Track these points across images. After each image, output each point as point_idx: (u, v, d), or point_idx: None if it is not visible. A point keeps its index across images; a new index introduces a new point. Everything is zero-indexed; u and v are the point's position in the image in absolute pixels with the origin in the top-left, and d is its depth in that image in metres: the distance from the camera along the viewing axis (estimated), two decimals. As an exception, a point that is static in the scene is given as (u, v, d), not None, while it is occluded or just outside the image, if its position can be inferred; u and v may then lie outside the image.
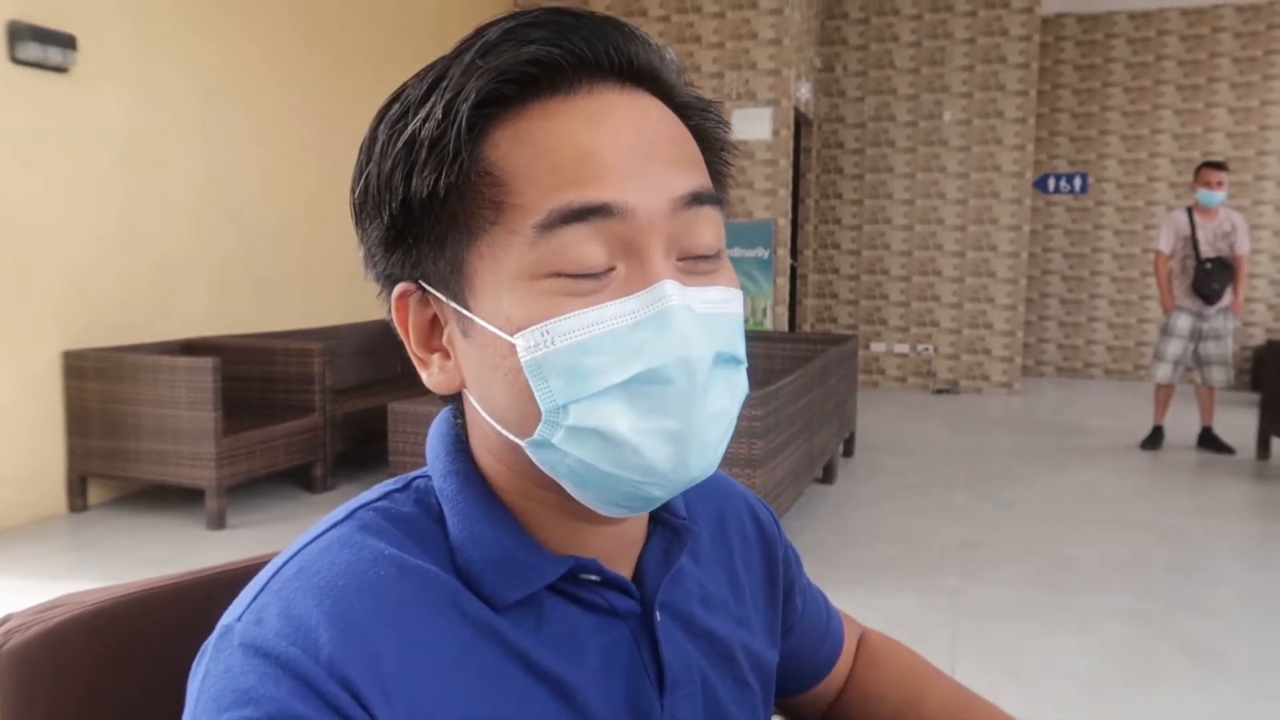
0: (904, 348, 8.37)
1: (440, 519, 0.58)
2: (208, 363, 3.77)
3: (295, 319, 5.26)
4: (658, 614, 0.61)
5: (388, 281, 0.57)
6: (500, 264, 0.51)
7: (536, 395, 0.51)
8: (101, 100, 4.10)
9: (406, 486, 0.60)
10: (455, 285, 0.53)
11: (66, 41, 3.83)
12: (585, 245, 0.50)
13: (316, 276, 5.50)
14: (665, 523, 0.64)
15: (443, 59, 0.54)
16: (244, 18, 4.87)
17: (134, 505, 4.18)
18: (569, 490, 0.54)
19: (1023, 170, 7.97)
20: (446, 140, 0.51)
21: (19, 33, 3.66)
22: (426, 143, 0.51)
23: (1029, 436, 6.31)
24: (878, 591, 3.28)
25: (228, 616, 0.52)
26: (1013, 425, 6.80)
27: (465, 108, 0.50)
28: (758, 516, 0.77)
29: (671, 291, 0.50)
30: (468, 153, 0.51)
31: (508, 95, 0.51)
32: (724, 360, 0.53)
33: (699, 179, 0.54)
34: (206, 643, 0.52)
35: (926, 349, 8.31)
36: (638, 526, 0.62)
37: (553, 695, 0.55)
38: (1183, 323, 5.56)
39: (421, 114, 0.52)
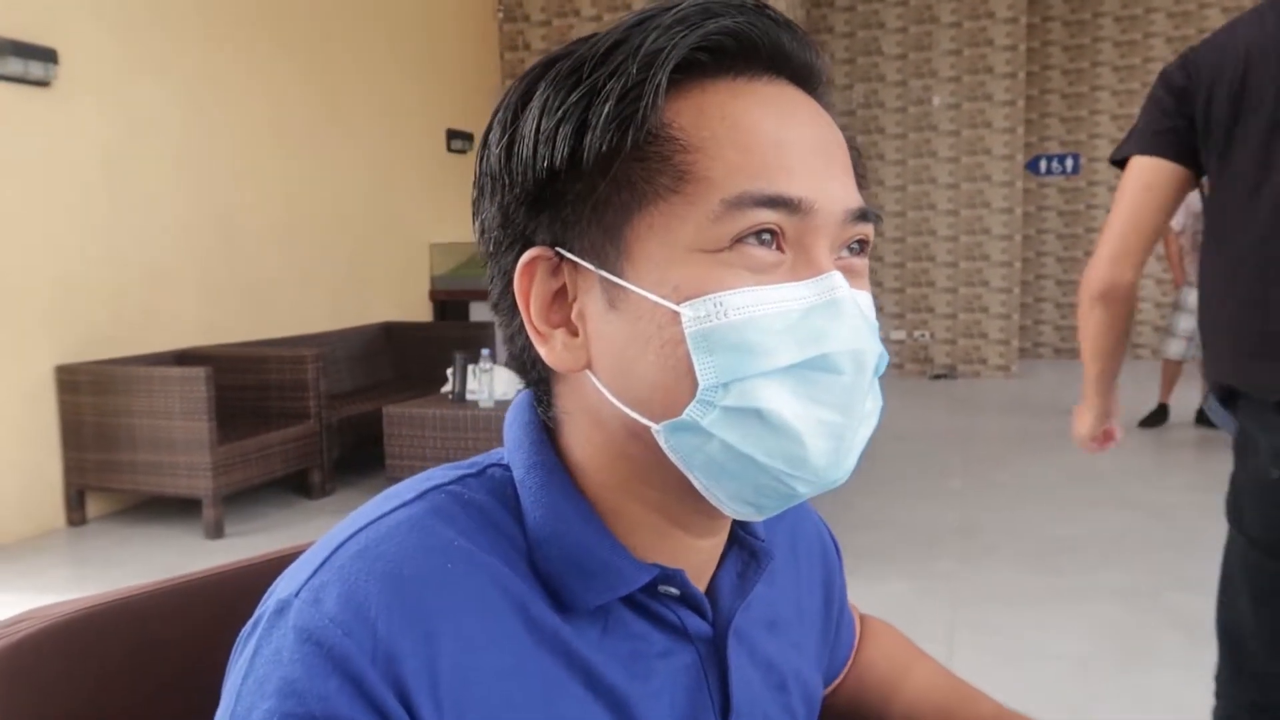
0: (900, 334, 8.38)
1: (516, 512, 0.55)
2: (200, 372, 3.78)
3: (287, 326, 5.26)
4: (730, 641, 0.59)
5: (516, 245, 0.54)
6: (673, 233, 0.50)
7: (697, 369, 0.49)
8: (84, 113, 4.10)
9: (481, 473, 0.57)
10: (609, 253, 0.51)
11: (47, 55, 3.83)
12: (767, 228, 0.50)
13: (306, 283, 5.50)
14: (743, 543, 0.62)
15: (615, 26, 0.52)
16: (225, 28, 4.87)
17: (132, 517, 4.19)
18: (698, 482, 0.52)
19: (1014, 153, 7.97)
20: (639, 96, 0.49)
21: (0, 48, 3.66)
22: (613, 97, 0.49)
23: (1026, 419, 6.32)
24: (873, 578, 3.29)
25: (283, 589, 0.50)
26: (1010, 408, 6.80)
27: (668, 65, 0.49)
28: (825, 543, 0.77)
29: (842, 284, 0.51)
30: (656, 114, 0.50)
31: (701, 63, 0.51)
32: (878, 366, 0.54)
33: (861, 196, 0.55)
34: (261, 610, 0.51)
35: (923, 334, 8.31)
36: (720, 545, 0.60)
37: (612, 713, 0.54)
38: (1194, 298, 5.54)
39: (606, 69, 0.50)
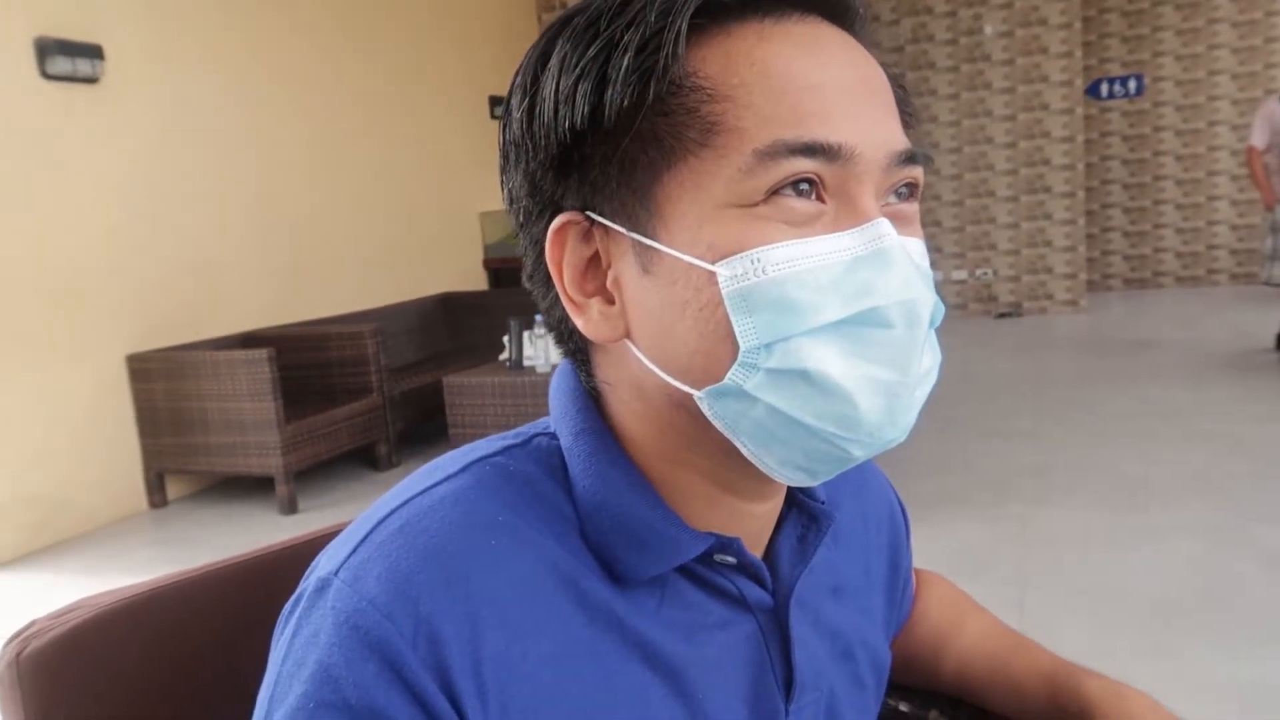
0: (962, 274, 8.18)
1: (564, 482, 0.53)
2: (264, 354, 3.86)
3: (346, 302, 5.35)
4: (792, 609, 0.57)
5: (545, 213, 0.52)
6: (704, 189, 0.47)
7: (737, 330, 0.46)
8: (135, 106, 4.18)
9: (526, 443, 0.55)
10: (639, 215, 0.49)
11: (93, 52, 3.90)
12: (805, 178, 0.47)
13: (362, 259, 5.57)
14: (802, 506, 0.59)
15: None
16: (268, 9, 4.90)
17: (210, 497, 4.33)
18: (745, 449, 0.49)
19: (1072, 78, 7.65)
20: (659, 45, 0.46)
21: (47, 48, 3.74)
22: (631, 48, 0.47)
23: (1097, 354, 6.14)
24: (942, 523, 3.24)
25: (324, 566, 0.49)
26: (1079, 344, 6.61)
27: (688, 10, 0.47)
28: (893, 505, 0.74)
29: (890, 231, 0.48)
30: (679, 63, 0.47)
31: (726, 6, 0.48)
32: (933, 318, 0.50)
33: (908, 137, 0.51)
34: (303, 587, 0.49)
35: (985, 273, 8.10)
36: (776, 509, 0.58)
37: (671, 691, 0.52)
38: None
39: (624, 20, 0.47)
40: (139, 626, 0.69)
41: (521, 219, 0.54)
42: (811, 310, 0.46)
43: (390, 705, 0.44)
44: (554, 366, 3.96)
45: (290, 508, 3.96)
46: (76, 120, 3.92)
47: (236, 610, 0.74)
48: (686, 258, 0.47)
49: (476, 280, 6.79)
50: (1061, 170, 7.79)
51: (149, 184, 4.23)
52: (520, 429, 0.58)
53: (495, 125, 7.01)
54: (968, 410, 4.82)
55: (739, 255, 0.46)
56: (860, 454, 0.49)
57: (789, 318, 0.46)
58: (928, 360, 0.50)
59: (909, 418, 0.50)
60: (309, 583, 0.49)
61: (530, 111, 0.51)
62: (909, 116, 0.54)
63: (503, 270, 6.83)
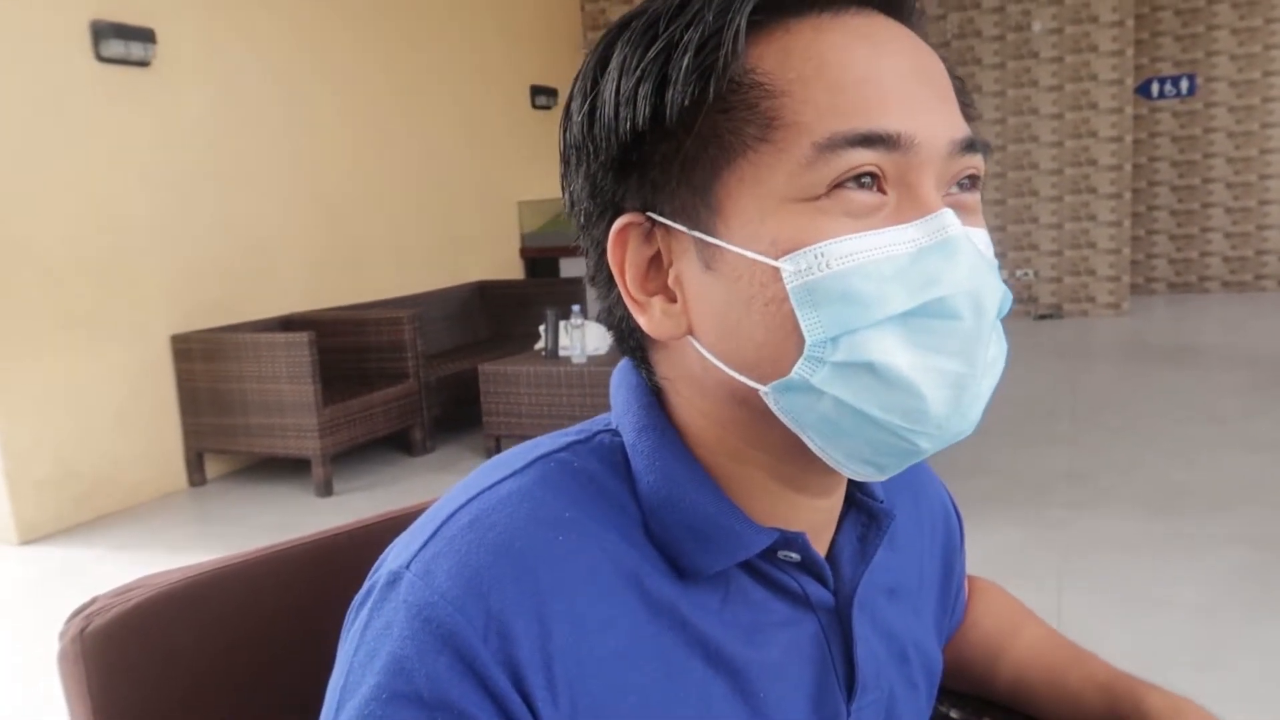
0: (1002, 273, 8.04)
1: (628, 478, 0.53)
2: (304, 337, 3.90)
3: (385, 288, 5.39)
4: (855, 610, 0.57)
5: (607, 214, 0.53)
6: (764, 185, 0.47)
7: (803, 325, 0.46)
8: (185, 91, 4.23)
9: (589, 439, 0.56)
10: (700, 213, 0.49)
11: (146, 36, 3.95)
12: (866, 170, 0.47)
13: (401, 245, 5.61)
14: (861, 506, 0.59)
15: None
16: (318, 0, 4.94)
17: (248, 477, 4.39)
18: (812, 444, 0.50)
19: (1122, 77, 7.51)
20: (719, 44, 0.47)
21: (102, 31, 3.79)
22: (691, 48, 0.47)
23: (1139, 359, 6.04)
24: (980, 526, 3.20)
25: (395, 560, 0.50)
26: (1121, 348, 6.51)
27: (747, 8, 0.47)
28: (948, 509, 0.74)
29: (954, 222, 0.47)
30: (739, 61, 0.48)
31: (782, 2, 0.49)
32: (1000, 308, 0.50)
33: (967, 124, 0.51)
34: (373, 580, 0.50)
35: (1026, 274, 7.99)
36: (838, 506, 0.58)
37: (733, 689, 0.52)
38: None
39: (682, 20, 0.48)
40: (200, 606, 0.70)
41: (583, 221, 0.55)
42: (877, 302, 0.46)
43: (463, 698, 0.45)
44: (590, 358, 3.97)
45: (326, 490, 4.01)
46: (128, 103, 3.98)
47: (295, 594, 0.74)
48: (749, 254, 0.48)
49: (513, 269, 6.81)
50: (1108, 171, 7.65)
51: (196, 167, 4.29)
52: (583, 425, 0.58)
53: (535, 114, 7.04)
54: (1007, 412, 4.76)
55: (803, 250, 0.46)
56: (928, 446, 0.49)
57: (854, 310, 0.46)
58: (994, 351, 0.50)
59: (976, 409, 0.49)
60: (379, 576, 0.50)
61: (591, 114, 0.51)
62: (967, 107, 0.54)
63: (539, 260, 6.85)
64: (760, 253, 0.47)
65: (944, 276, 0.46)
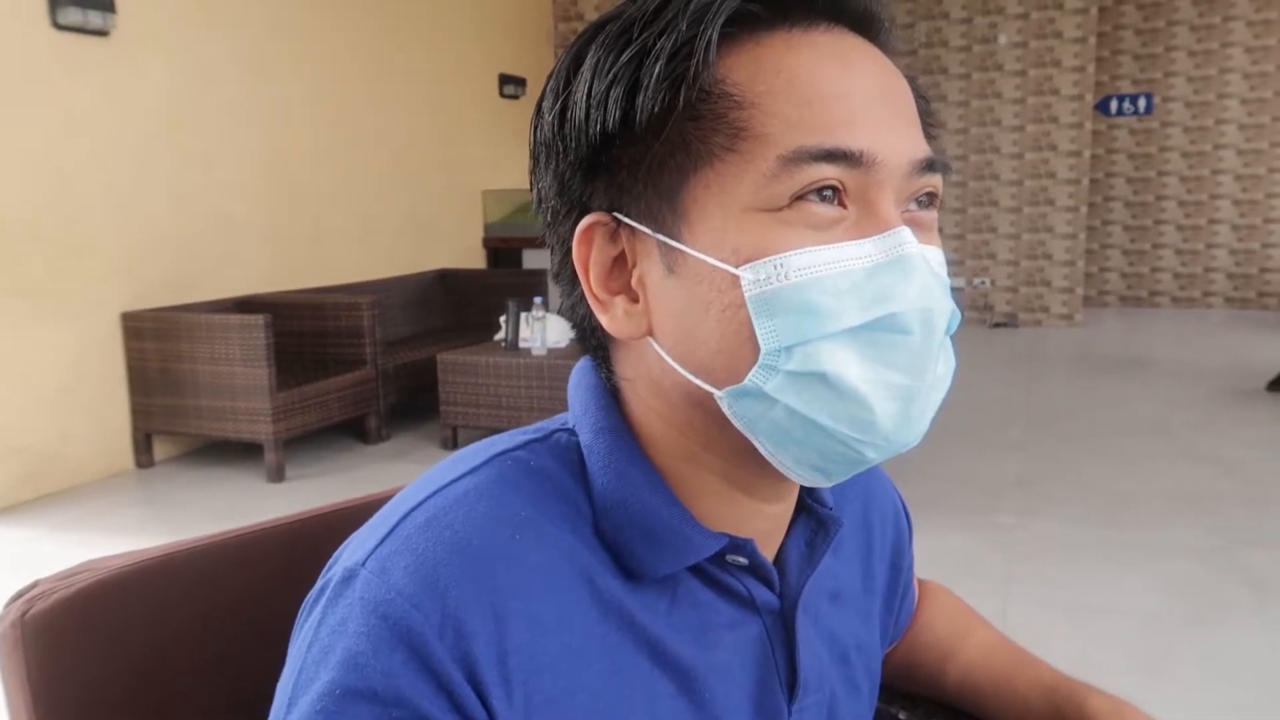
0: (959, 281, 8.18)
1: (582, 478, 0.54)
2: (259, 320, 3.84)
3: (344, 273, 5.32)
4: (800, 613, 0.58)
5: (573, 213, 0.53)
6: (729, 193, 0.48)
7: (758, 333, 0.47)
8: (144, 62, 4.13)
9: (546, 438, 0.56)
10: (665, 217, 0.50)
11: (105, 4, 3.85)
12: (828, 184, 0.48)
13: (363, 230, 5.55)
14: (811, 512, 0.60)
15: None
16: (279, -29, 4.85)
17: (197, 460, 4.31)
18: (763, 448, 0.50)
19: (1083, 93, 7.65)
20: (690, 54, 0.48)
21: (59, -3, 3.69)
22: (663, 56, 0.48)
23: (1090, 370, 6.16)
24: (929, 531, 3.24)
25: (350, 556, 0.49)
26: (1073, 358, 6.64)
27: (719, 20, 0.48)
28: (898, 512, 0.76)
29: (910, 240, 0.48)
30: (709, 71, 0.48)
31: (755, 15, 0.49)
32: (949, 325, 0.51)
33: (929, 145, 0.53)
34: (327, 577, 0.50)
35: (983, 282, 8.12)
36: (789, 511, 0.59)
37: (679, 689, 0.53)
38: None
39: (656, 27, 0.49)
40: (147, 593, 0.69)
41: (549, 218, 0.55)
42: (831, 315, 0.47)
43: (419, 694, 0.45)
44: (550, 350, 3.95)
45: (278, 475, 3.95)
46: (84, 73, 3.87)
47: (246, 583, 0.73)
48: (711, 260, 0.48)
49: (475, 259, 6.77)
50: (1066, 184, 7.80)
51: (153, 142, 4.19)
52: (539, 424, 0.59)
53: (504, 104, 6.99)
54: (959, 418, 4.83)
55: (763, 260, 0.47)
56: (874, 456, 0.50)
57: (810, 322, 0.47)
58: (942, 366, 0.51)
59: (923, 422, 0.50)
60: (334, 573, 0.50)
61: (562, 114, 0.52)
62: (930, 127, 0.55)
63: (502, 250, 6.81)
64: (721, 260, 0.48)
65: (897, 293, 0.47)
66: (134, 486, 3.97)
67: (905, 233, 0.48)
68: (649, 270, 0.51)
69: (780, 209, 0.47)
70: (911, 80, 0.55)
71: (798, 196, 0.47)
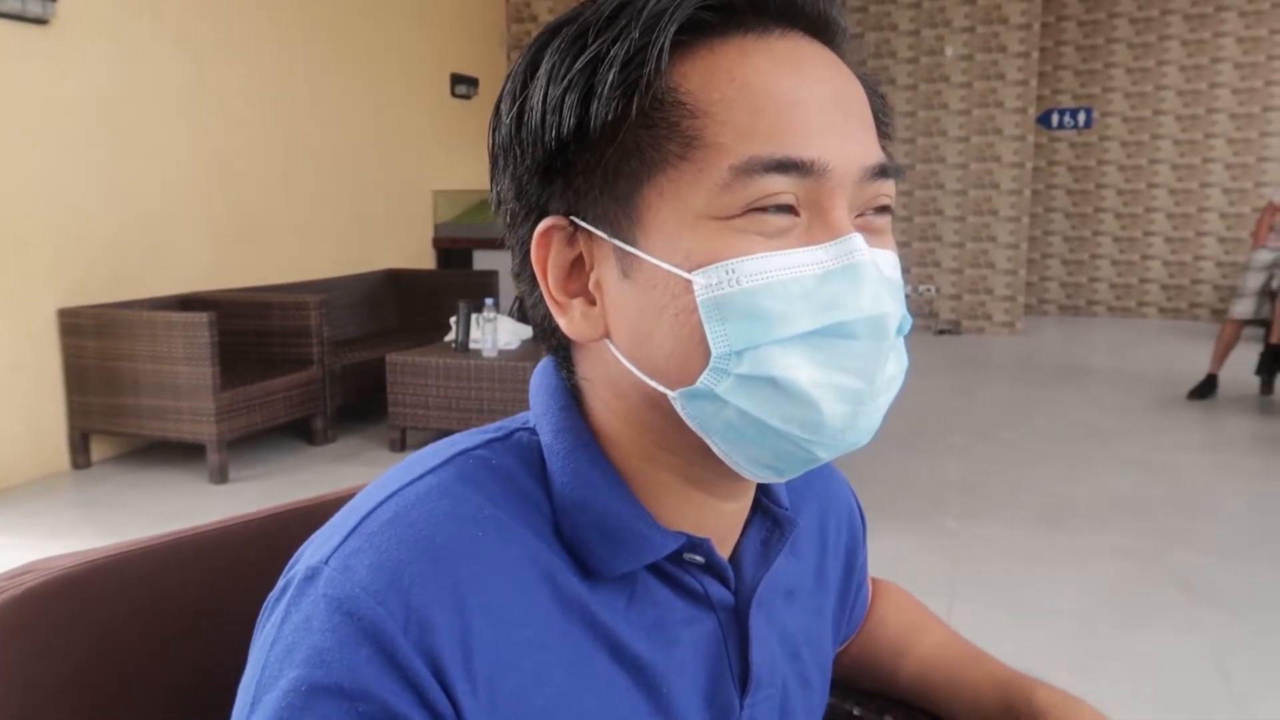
0: (905, 288, 8.30)
1: (542, 478, 0.54)
2: (203, 318, 3.76)
3: (290, 272, 5.24)
4: (753, 610, 0.59)
5: (531, 216, 0.54)
6: (683, 201, 0.49)
7: (709, 337, 0.48)
8: (84, 53, 4.03)
9: (507, 437, 0.57)
10: (621, 222, 0.50)
11: (45, -8, 3.75)
12: (781, 195, 0.48)
13: (310, 228, 5.47)
14: (766, 511, 0.62)
15: None
16: (227, -37, 4.77)
17: (137, 461, 4.21)
18: (717, 448, 0.51)
19: (1026, 106, 7.84)
20: (643, 61, 0.48)
21: (-4, -17, 3.58)
22: (616, 63, 0.48)
23: (1031, 376, 6.31)
24: (874, 535, 3.28)
25: (312, 555, 0.49)
26: (1014, 365, 6.79)
27: (671, 28, 0.48)
28: (853, 512, 0.77)
29: (861, 246, 0.49)
30: (662, 79, 0.48)
31: (708, 23, 0.49)
32: (900, 327, 0.52)
33: (882, 150, 0.53)
34: (289, 576, 0.50)
35: (928, 289, 8.27)
36: (745, 510, 0.60)
37: (637, 685, 0.54)
38: (1262, 256, 5.29)
39: (610, 34, 0.49)
40: (96, 593, 0.68)
41: (509, 220, 0.56)
42: (782, 321, 0.48)
43: (384, 688, 0.45)
44: (501, 352, 3.93)
45: (221, 477, 3.87)
46: (22, 61, 3.76)
47: (197, 583, 0.72)
48: (664, 265, 0.49)
49: (425, 259, 6.70)
50: (1009, 195, 7.98)
51: (94, 134, 4.09)
52: (501, 423, 0.59)
53: (455, 103, 6.95)
54: (902, 423, 4.92)
55: (715, 265, 0.48)
56: (825, 455, 0.51)
57: (760, 327, 0.48)
58: (892, 368, 0.52)
59: (873, 422, 0.52)
60: (296, 571, 0.50)
61: (519, 118, 0.52)
62: (885, 126, 0.56)
63: (453, 251, 6.75)
64: (675, 265, 0.49)
65: (847, 300, 0.48)
66: (70, 487, 3.86)
67: (856, 239, 0.49)
68: (606, 274, 0.52)
69: (733, 217, 0.48)
70: (867, 80, 0.56)
71: (751, 207, 0.48)
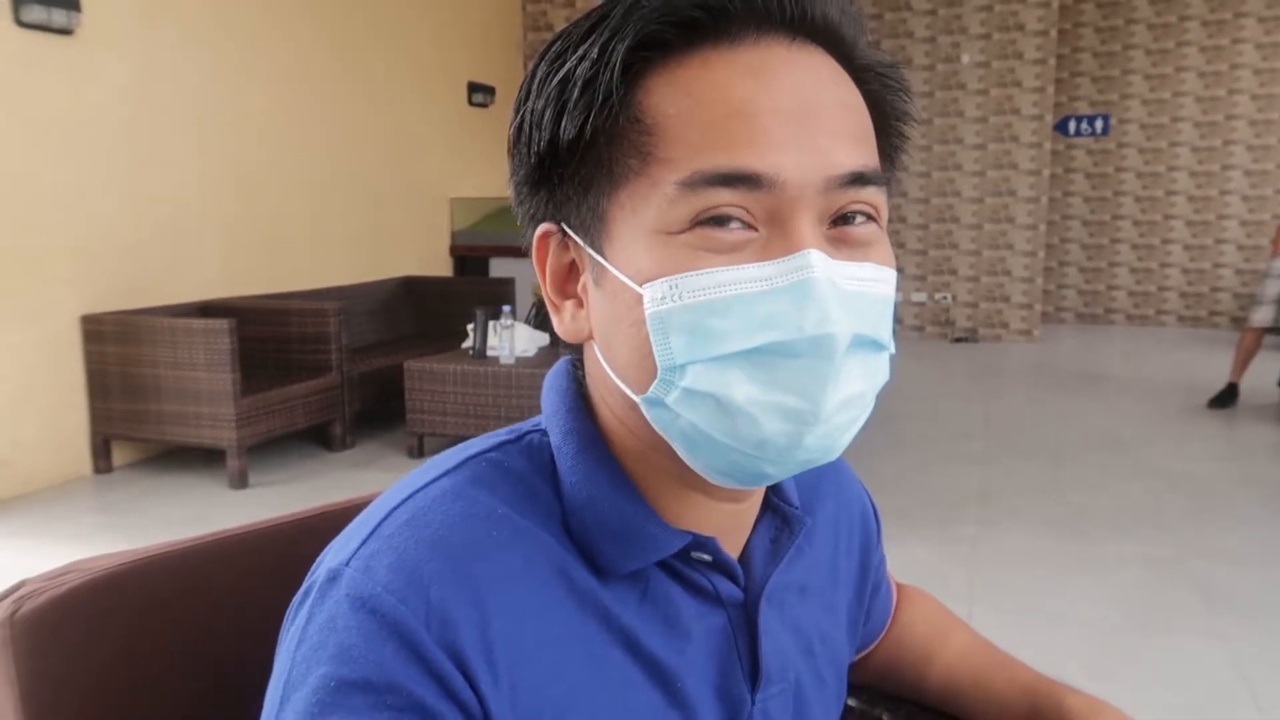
0: (921, 296, 8.31)
1: (553, 478, 0.56)
2: (224, 324, 3.79)
3: (309, 279, 5.27)
4: (762, 606, 0.60)
5: (531, 221, 0.56)
6: (638, 214, 0.50)
7: (655, 350, 0.49)
8: (107, 63, 4.08)
9: (519, 439, 0.58)
10: (594, 232, 0.52)
11: (70, 3, 3.80)
12: (727, 209, 0.48)
13: (328, 236, 5.50)
14: (776, 509, 0.62)
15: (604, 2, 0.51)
16: (248, -26, 4.81)
17: (157, 466, 4.24)
18: (680, 453, 0.52)
19: (1043, 113, 7.81)
20: (599, 81, 0.49)
21: (23, -5, 3.63)
22: (580, 82, 0.49)
23: (1049, 384, 6.27)
24: (893, 542, 3.28)
25: (334, 558, 0.51)
26: (1032, 373, 6.76)
27: (622, 48, 0.48)
28: (866, 511, 0.77)
29: (815, 262, 0.47)
30: (619, 96, 0.49)
31: (669, 39, 0.49)
32: (863, 343, 0.50)
33: (864, 155, 0.50)
34: (311, 579, 0.51)
35: (944, 297, 8.24)
36: (753, 509, 0.60)
37: (651, 679, 0.54)
38: None
39: (579, 52, 0.50)
40: (136, 592, 0.69)
41: (522, 222, 0.58)
42: (720, 338, 0.48)
43: (411, 681, 0.46)
44: (518, 359, 3.95)
45: (241, 482, 3.90)
46: (47, 72, 3.82)
47: (232, 583, 0.73)
48: (622, 277, 0.51)
49: (442, 266, 6.73)
50: (1026, 202, 7.95)
51: (117, 144, 4.14)
52: (515, 426, 0.61)
53: (473, 111, 6.98)
54: (920, 430, 4.91)
55: (661, 279, 0.49)
56: (774, 471, 0.52)
57: (700, 343, 0.48)
58: (853, 386, 0.50)
59: (826, 441, 0.50)
60: (318, 574, 0.51)
61: (518, 129, 0.54)
62: (893, 132, 0.55)
63: (470, 258, 6.78)
64: (629, 277, 0.50)
65: (788, 319, 0.47)
66: (91, 492, 3.90)
67: (811, 255, 0.47)
68: (588, 279, 0.54)
69: (680, 232, 0.48)
70: (885, 79, 0.54)
71: (696, 221, 0.48)
